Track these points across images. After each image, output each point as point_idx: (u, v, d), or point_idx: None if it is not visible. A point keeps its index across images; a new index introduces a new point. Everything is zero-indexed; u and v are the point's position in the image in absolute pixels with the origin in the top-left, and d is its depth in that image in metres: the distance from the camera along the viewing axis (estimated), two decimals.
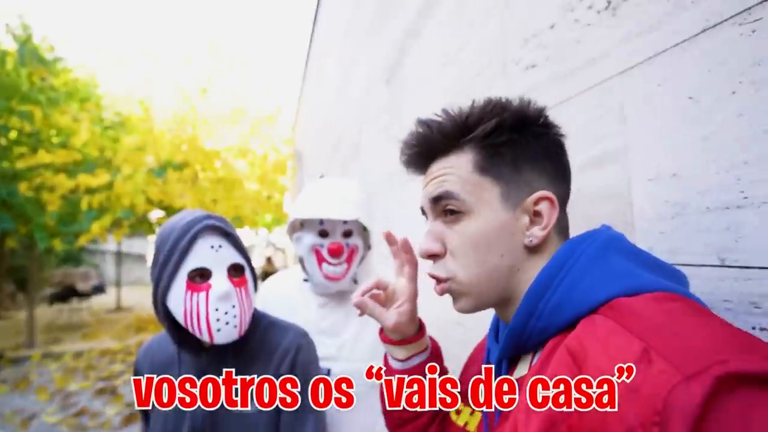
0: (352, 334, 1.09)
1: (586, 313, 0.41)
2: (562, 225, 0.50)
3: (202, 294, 0.77)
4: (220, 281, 0.78)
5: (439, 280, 0.52)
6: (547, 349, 0.42)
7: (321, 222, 1.05)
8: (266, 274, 11.76)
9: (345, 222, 1.05)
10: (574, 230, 0.77)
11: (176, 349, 0.86)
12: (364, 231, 1.11)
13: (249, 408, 0.84)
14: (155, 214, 9.26)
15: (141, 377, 0.89)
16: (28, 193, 6.08)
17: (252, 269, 0.87)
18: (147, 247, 23.50)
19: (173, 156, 7.03)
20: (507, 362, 0.50)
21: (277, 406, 0.86)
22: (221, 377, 0.84)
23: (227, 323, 0.77)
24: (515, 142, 0.48)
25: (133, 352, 6.35)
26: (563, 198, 0.50)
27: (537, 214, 0.48)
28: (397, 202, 1.90)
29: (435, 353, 0.67)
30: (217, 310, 0.76)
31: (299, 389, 0.88)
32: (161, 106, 7.59)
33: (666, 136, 0.62)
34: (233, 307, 0.78)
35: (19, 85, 6.24)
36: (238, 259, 0.83)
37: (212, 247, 0.79)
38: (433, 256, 0.52)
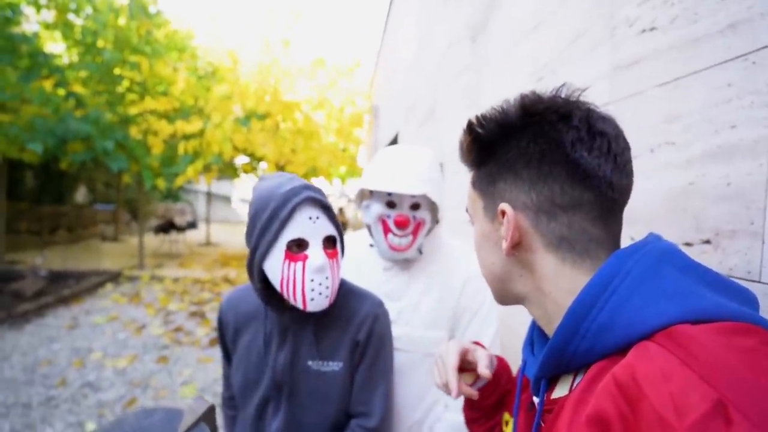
0: (412, 300, 1.10)
1: (639, 338, 0.36)
2: (559, 235, 0.44)
3: (299, 264, 0.80)
4: (316, 253, 0.81)
5: None
6: (591, 374, 0.39)
7: (389, 193, 1.04)
8: None
9: (413, 195, 1.03)
10: (680, 234, 0.67)
11: (263, 306, 0.93)
12: (432, 204, 1.08)
13: (327, 366, 0.90)
14: (240, 160, 9.99)
15: (227, 326, 0.97)
16: (138, 136, 6.84)
17: (342, 240, 0.89)
18: (232, 189, 25.67)
19: (257, 106, 7.38)
20: (546, 380, 0.47)
21: (353, 366, 0.92)
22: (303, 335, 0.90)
23: (320, 293, 0.81)
24: (493, 154, 0.47)
25: (219, 283, 7.15)
26: (559, 205, 0.43)
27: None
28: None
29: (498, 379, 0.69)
30: (312, 280, 0.80)
31: (374, 355, 0.92)
32: (248, 57, 7.90)
33: None
34: (326, 278, 0.82)
35: (130, 38, 6.86)
36: (332, 230, 0.85)
37: (310, 218, 0.81)
38: None
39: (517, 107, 0.45)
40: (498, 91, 1.57)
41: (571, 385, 0.44)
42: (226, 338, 0.98)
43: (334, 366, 0.90)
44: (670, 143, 0.72)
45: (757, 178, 0.57)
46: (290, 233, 0.79)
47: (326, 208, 0.84)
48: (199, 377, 3.53)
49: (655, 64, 0.76)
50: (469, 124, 0.48)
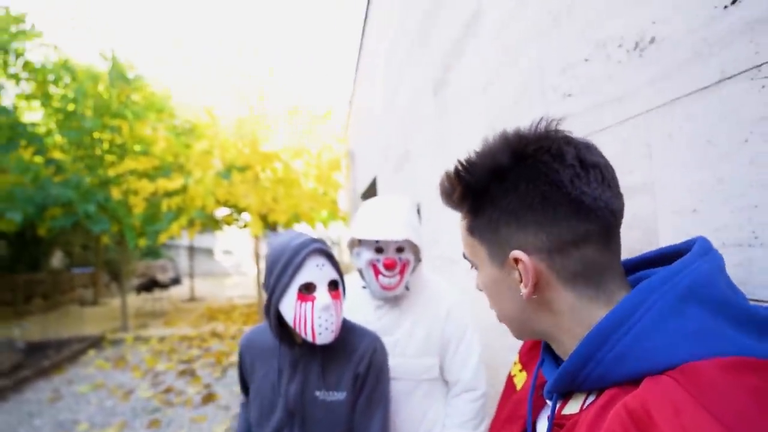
0: (404, 332, 1.23)
1: (652, 372, 0.37)
2: (574, 270, 0.44)
3: (309, 304, 0.95)
4: (322, 294, 0.96)
5: None
6: (603, 400, 0.40)
7: (377, 240, 1.19)
8: None
9: (397, 240, 1.18)
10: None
11: (277, 342, 1.06)
12: (414, 246, 1.23)
13: (332, 396, 1.03)
14: (221, 212, 10.02)
15: (245, 362, 1.11)
16: (119, 197, 6.88)
17: (344, 284, 1.05)
18: (214, 241, 25.36)
19: (237, 159, 7.57)
20: (558, 395, 0.48)
21: (355, 395, 1.04)
22: (311, 368, 1.03)
23: (327, 329, 0.96)
24: (490, 200, 0.47)
25: (207, 339, 7.00)
26: (569, 242, 0.44)
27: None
28: (445, 209, 2.00)
29: None
30: (320, 317, 0.95)
31: (373, 384, 1.05)
32: (225, 111, 8.17)
33: (687, 175, 0.67)
34: (332, 315, 0.96)
35: (110, 104, 7.06)
36: (335, 275, 1.01)
37: (317, 265, 0.97)
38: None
39: (505, 150, 0.45)
40: (461, 138, 1.78)
41: (582, 405, 0.45)
42: (245, 372, 1.12)
43: (339, 396, 1.02)
44: None
45: (650, 209, 0.75)
46: (302, 278, 0.96)
47: (330, 257, 1.00)
48: None
49: (573, 121, 0.96)
50: (457, 173, 0.48)
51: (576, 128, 0.96)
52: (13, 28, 6.52)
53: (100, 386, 4.82)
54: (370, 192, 5.88)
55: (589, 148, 0.46)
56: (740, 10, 0.58)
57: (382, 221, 1.19)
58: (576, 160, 0.43)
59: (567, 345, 0.46)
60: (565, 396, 0.48)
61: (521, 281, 0.46)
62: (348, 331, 1.09)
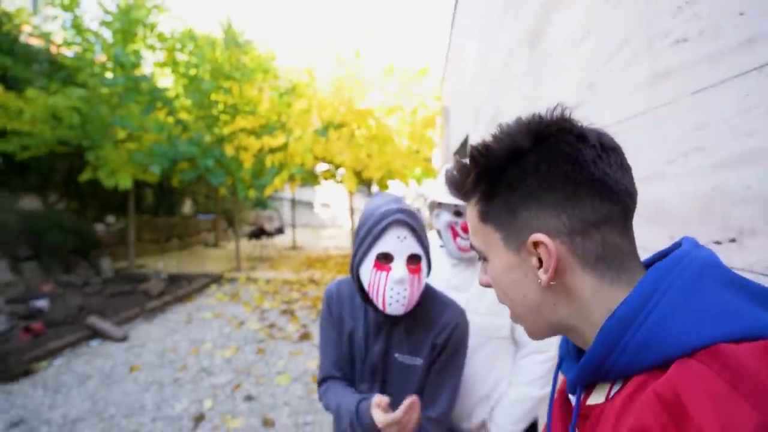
0: (477, 291, 1.27)
1: (680, 356, 0.36)
2: (595, 253, 0.43)
3: (384, 273, 0.95)
4: (399, 267, 0.95)
5: None
6: (631, 388, 0.38)
7: (456, 204, 1.21)
8: None
9: None
10: (712, 233, 0.73)
11: (363, 304, 1.09)
12: None
13: (410, 360, 1.07)
14: (320, 168, 10.67)
15: (331, 312, 1.13)
16: (231, 153, 7.72)
17: (428, 258, 1.02)
18: (314, 195, 27.29)
19: (333, 117, 7.89)
20: (582, 387, 0.46)
21: (430, 362, 1.07)
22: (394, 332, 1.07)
23: (398, 301, 0.96)
24: (506, 183, 0.45)
25: (305, 284, 7.75)
26: (590, 223, 0.43)
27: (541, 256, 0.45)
28: None
29: None
30: (392, 289, 0.95)
31: (449, 356, 1.06)
32: (323, 72, 8.46)
33: None
34: (405, 289, 0.95)
35: (224, 68, 7.78)
36: (417, 250, 0.97)
37: (398, 237, 0.95)
38: (488, 286, 0.53)
39: (524, 132, 0.44)
40: (553, 94, 1.62)
41: (608, 394, 0.43)
42: (330, 320, 1.13)
43: (416, 361, 1.06)
44: (700, 149, 0.77)
45: None
46: (380, 247, 0.96)
47: (414, 230, 0.97)
48: (291, 368, 3.94)
49: (686, 75, 0.82)
50: (472, 157, 0.47)
51: (686, 82, 0.82)
52: (149, 3, 7.42)
53: (219, 315, 5.71)
54: (462, 151, 5.71)
55: (607, 135, 0.45)
56: None
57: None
58: (598, 141, 0.43)
59: (588, 334, 0.45)
60: (589, 386, 0.46)
61: (539, 267, 0.44)
62: (434, 300, 1.09)
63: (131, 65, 7.10)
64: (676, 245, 0.45)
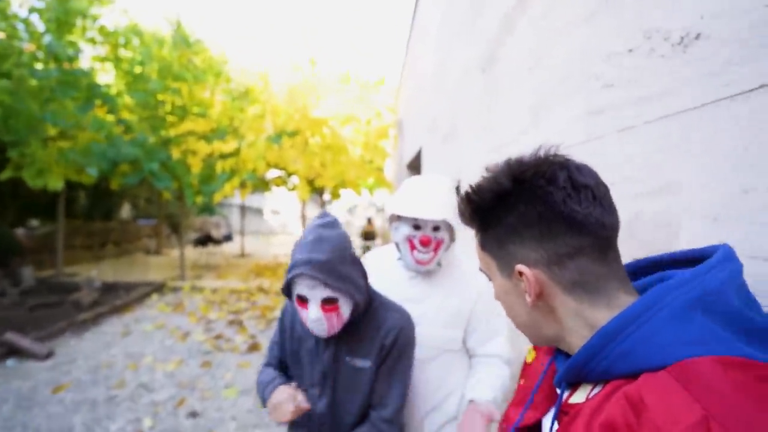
0: (433, 304, 1.31)
1: (651, 370, 0.41)
2: (574, 280, 0.49)
3: (304, 311, 1.05)
4: (314, 309, 1.03)
5: None
6: (606, 391, 0.44)
7: (415, 218, 1.25)
8: (366, 234, 12.61)
9: (435, 220, 1.24)
10: (633, 252, 0.84)
11: None
12: (450, 226, 1.28)
13: (359, 362, 1.13)
14: (271, 174, 10.45)
15: (285, 323, 1.23)
16: (178, 156, 7.37)
17: (348, 292, 1.04)
18: (263, 201, 26.58)
19: (287, 124, 7.80)
20: (566, 384, 0.53)
21: (378, 365, 1.13)
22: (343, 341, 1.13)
23: (320, 332, 1.07)
24: (496, 220, 0.52)
25: (254, 293, 7.53)
26: (565, 254, 0.48)
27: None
28: None
29: None
30: (312, 323, 1.05)
31: (396, 357, 1.13)
32: (277, 77, 8.36)
33: (715, 180, 0.67)
34: (323, 325, 1.05)
35: (172, 67, 7.45)
36: (329, 294, 1.03)
37: (308, 286, 1.02)
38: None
39: (507, 176, 0.50)
40: (506, 118, 1.76)
41: (588, 395, 0.49)
42: (284, 330, 1.23)
43: (364, 363, 1.12)
44: (626, 178, 0.90)
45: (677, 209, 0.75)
46: (296, 290, 1.04)
47: (320, 280, 1.00)
48: (239, 380, 3.81)
49: (612, 113, 0.95)
50: (467, 195, 0.54)
51: (613, 121, 0.95)
52: None
53: (161, 327, 5.39)
54: (416, 163, 5.88)
55: (581, 170, 0.50)
56: None
57: (422, 200, 1.24)
58: (568, 182, 0.48)
59: (574, 345, 0.51)
60: (573, 387, 0.53)
61: (527, 291, 0.51)
62: (379, 306, 1.17)
63: (67, 58, 6.60)
64: (713, 250, 0.50)
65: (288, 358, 1.22)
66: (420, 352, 1.27)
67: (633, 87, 0.89)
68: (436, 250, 1.26)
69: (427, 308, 1.30)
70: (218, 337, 5.03)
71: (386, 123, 8.86)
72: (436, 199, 1.24)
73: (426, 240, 1.24)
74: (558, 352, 0.57)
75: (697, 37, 0.71)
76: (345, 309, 1.07)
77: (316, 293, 1.03)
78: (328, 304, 1.04)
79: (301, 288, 1.03)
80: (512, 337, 1.44)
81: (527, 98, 1.50)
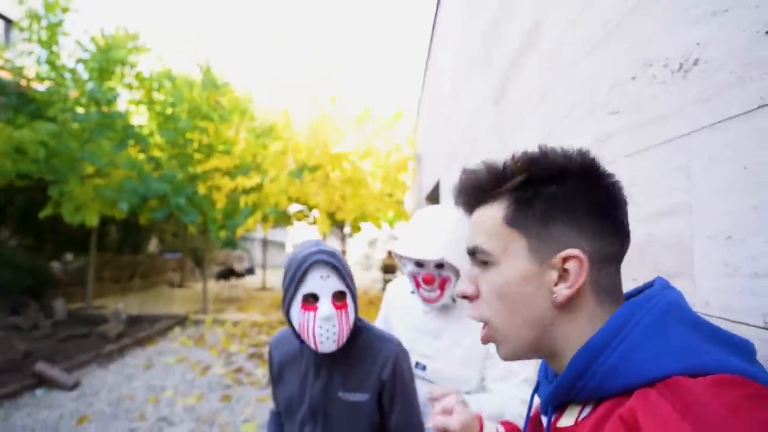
0: (448, 341, 1.24)
1: (642, 385, 0.40)
2: (603, 284, 0.47)
3: (312, 313, 0.99)
4: (325, 305, 0.99)
5: (481, 322, 0.53)
6: (601, 412, 0.43)
7: (416, 258, 1.19)
8: (386, 267, 12.54)
9: (433, 260, 1.17)
10: (645, 274, 0.83)
11: (300, 346, 1.11)
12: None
13: (354, 396, 1.07)
14: (293, 208, 10.68)
15: (273, 361, 1.18)
16: (204, 192, 7.67)
17: (353, 294, 1.05)
18: (285, 235, 26.97)
19: (308, 159, 8.05)
20: (553, 408, 0.50)
21: (378, 397, 1.08)
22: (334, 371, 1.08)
23: (328, 338, 0.99)
24: (548, 195, 0.47)
25: (275, 326, 7.52)
26: (606, 256, 0.47)
27: (566, 272, 0.47)
28: None
29: None
30: (321, 327, 0.98)
31: (400, 388, 1.08)
32: (299, 114, 8.72)
33: (723, 200, 0.67)
34: (333, 326, 0.99)
35: (201, 108, 7.90)
36: (341, 287, 1.02)
37: (321, 277, 1.00)
38: (467, 298, 0.54)
39: (576, 156, 0.48)
40: (516, 149, 1.78)
41: (577, 417, 0.47)
42: (272, 370, 1.19)
43: (361, 397, 1.06)
44: (634, 203, 0.90)
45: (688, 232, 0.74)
46: (305, 289, 1.00)
47: (336, 268, 1.01)
48: (259, 415, 3.76)
49: (618, 139, 0.96)
50: (522, 161, 0.49)
51: (620, 147, 0.96)
52: (130, 44, 7.57)
53: (183, 360, 5.43)
54: (434, 195, 5.92)
55: None
56: None
57: (422, 237, 1.19)
58: (622, 187, 0.50)
59: (568, 359, 0.47)
60: (560, 409, 0.50)
61: (557, 283, 0.47)
62: (371, 336, 1.13)
63: (106, 102, 7.10)
64: (650, 284, 0.50)
65: (278, 402, 1.17)
66: (425, 389, 1.20)
67: (637, 113, 0.91)
68: (441, 287, 1.19)
69: (442, 344, 1.24)
70: (238, 370, 5.02)
71: (405, 156, 9.02)
72: (437, 236, 1.17)
73: (429, 278, 1.18)
74: (538, 384, 0.56)
75: (696, 62, 0.73)
76: (351, 312, 1.04)
77: (328, 285, 1.00)
78: (339, 299, 1.01)
79: (311, 284, 0.99)
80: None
81: (537, 129, 1.53)
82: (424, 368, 1.26)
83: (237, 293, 11.93)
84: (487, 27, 2.30)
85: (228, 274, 11.60)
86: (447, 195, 4.18)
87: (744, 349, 0.43)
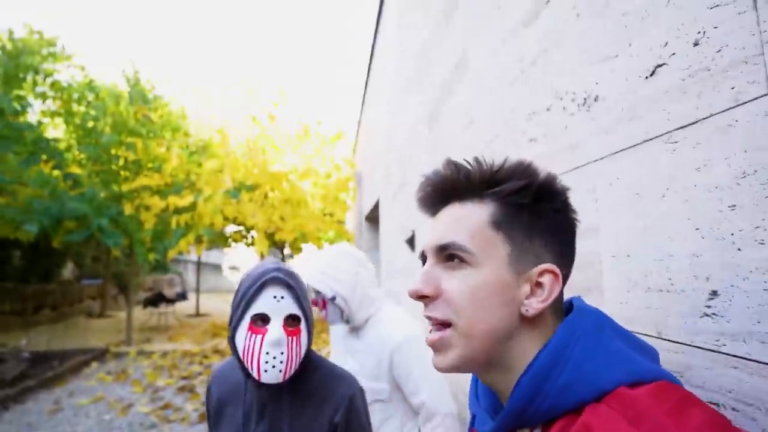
0: (360, 357, 1.39)
1: (591, 400, 0.41)
2: (558, 303, 0.49)
3: (259, 337, 0.88)
4: (275, 328, 0.88)
5: (436, 322, 0.50)
6: None
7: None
8: None
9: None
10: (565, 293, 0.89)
11: (244, 379, 0.98)
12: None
13: None
14: (229, 229, 10.21)
15: (212, 397, 1.04)
16: (131, 212, 7.09)
17: (309, 320, 0.96)
18: (222, 257, 25.63)
19: (246, 178, 7.78)
20: None
21: None
22: (280, 411, 0.96)
23: (274, 366, 0.88)
24: (535, 209, 0.48)
25: (209, 356, 7.02)
26: (564, 277, 0.49)
27: (539, 286, 0.47)
28: None
29: None
30: (267, 353, 0.87)
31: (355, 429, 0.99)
32: (236, 132, 8.45)
33: (622, 222, 0.74)
34: (282, 353, 0.88)
35: (128, 122, 7.38)
36: (296, 310, 0.92)
37: (275, 297, 0.90)
38: (423, 298, 0.50)
39: (559, 183, 0.50)
40: None
41: None
42: (210, 408, 1.05)
43: None
44: None
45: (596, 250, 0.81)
46: (255, 308, 0.90)
47: (292, 289, 0.92)
48: None
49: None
50: (532, 169, 0.50)
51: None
52: (45, 51, 6.92)
53: (99, 399, 4.86)
54: (374, 214, 5.97)
55: None
56: (656, 81, 0.66)
57: (308, 267, 1.44)
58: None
59: (514, 377, 0.47)
60: None
61: (528, 297, 0.47)
62: (325, 373, 1.03)
63: (13, 111, 6.38)
64: (569, 302, 0.52)
65: None
66: None
67: (553, 141, 0.99)
68: (323, 307, 1.38)
69: (356, 362, 1.38)
70: (166, 406, 4.59)
71: (345, 176, 9.04)
72: (311, 266, 1.42)
73: (313, 301, 1.37)
74: (474, 416, 0.54)
75: (596, 98, 0.82)
76: (303, 341, 0.94)
77: (281, 307, 0.90)
78: (292, 324, 0.91)
79: (262, 304, 0.89)
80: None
81: (464, 153, 1.61)
82: None
83: (167, 321, 11.03)
84: (421, 52, 2.41)
85: (157, 300, 10.71)
86: (385, 215, 4.23)
87: (653, 353, 0.48)
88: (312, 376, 1.00)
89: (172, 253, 7.61)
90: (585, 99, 0.85)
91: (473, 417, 0.55)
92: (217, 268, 25.11)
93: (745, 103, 0.52)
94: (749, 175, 0.51)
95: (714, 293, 0.56)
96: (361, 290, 1.38)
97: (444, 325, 0.49)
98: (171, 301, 11.29)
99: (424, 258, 0.53)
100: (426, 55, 2.23)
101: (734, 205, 0.53)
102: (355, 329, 1.42)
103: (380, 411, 1.34)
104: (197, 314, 12.71)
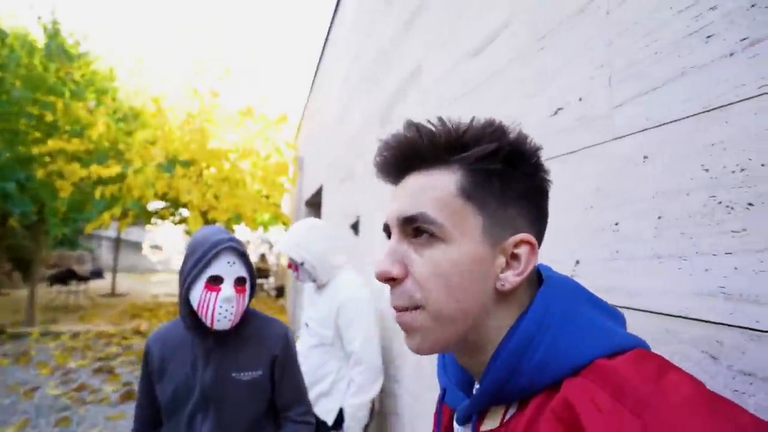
0: (317, 308, 1.81)
1: (569, 374, 0.39)
2: (531, 273, 0.45)
3: (214, 294, 1.08)
4: (227, 288, 1.09)
5: (405, 309, 0.46)
6: (531, 411, 0.40)
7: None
8: (259, 271, 12.09)
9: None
10: None
11: (189, 334, 1.16)
12: (301, 255, 1.75)
13: (248, 375, 1.17)
14: (155, 205, 9.61)
15: (152, 358, 1.17)
16: (42, 177, 6.41)
17: (253, 282, 1.18)
18: (143, 235, 23.76)
19: (181, 153, 7.39)
20: (477, 415, 0.46)
21: (271, 372, 1.22)
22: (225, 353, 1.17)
23: (225, 317, 1.09)
24: (507, 174, 0.44)
25: (129, 337, 6.66)
26: (538, 244, 0.45)
27: (514, 257, 0.44)
28: (377, 224, 2.27)
29: None
30: (221, 307, 1.08)
31: (289, 361, 1.26)
32: (174, 104, 7.95)
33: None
34: (232, 307, 1.09)
35: (46, 79, 6.61)
36: (244, 273, 1.14)
37: (228, 262, 1.10)
38: (391, 280, 0.46)
39: (531, 143, 0.46)
40: None
41: (502, 419, 0.44)
42: (152, 367, 1.18)
43: (255, 374, 1.18)
44: None
45: None
46: (211, 271, 1.09)
47: (243, 256, 1.14)
48: None
49: None
50: (502, 129, 0.45)
51: None
52: None
53: None
54: (315, 200, 6.04)
55: None
56: (559, 120, 0.91)
57: (285, 236, 1.83)
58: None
59: (488, 353, 0.45)
60: (481, 413, 0.46)
61: (503, 270, 0.44)
62: (259, 319, 1.27)
63: None
64: (537, 271, 0.49)
65: (162, 398, 1.16)
66: (308, 341, 1.80)
67: None
68: (296, 270, 1.78)
69: (314, 312, 1.80)
70: (81, 388, 4.35)
71: (286, 159, 8.93)
72: (288, 237, 1.78)
73: (289, 264, 1.81)
74: (444, 391, 0.53)
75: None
76: (246, 297, 1.16)
77: (233, 270, 1.11)
78: (240, 284, 1.13)
79: (217, 267, 1.09)
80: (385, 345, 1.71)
81: None
82: (307, 326, 1.85)
83: (78, 300, 10.12)
84: (379, 52, 2.58)
85: (66, 277, 9.77)
86: (329, 200, 4.36)
87: (622, 318, 0.46)
88: (251, 323, 1.25)
89: (90, 227, 7.03)
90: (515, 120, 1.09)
91: (443, 391, 0.53)
92: (136, 245, 23.26)
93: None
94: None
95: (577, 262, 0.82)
96: (325, 258, 1.75)
97: (409, 308, 0.45)
98: (83, 278, 10.37)
99: (388, 231, 0.49)
100: (386, 55, 2.41)
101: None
102: (320, 287, 1.81)
103: (324, 353, 1.74)
104: (113, 294, 11.79)
